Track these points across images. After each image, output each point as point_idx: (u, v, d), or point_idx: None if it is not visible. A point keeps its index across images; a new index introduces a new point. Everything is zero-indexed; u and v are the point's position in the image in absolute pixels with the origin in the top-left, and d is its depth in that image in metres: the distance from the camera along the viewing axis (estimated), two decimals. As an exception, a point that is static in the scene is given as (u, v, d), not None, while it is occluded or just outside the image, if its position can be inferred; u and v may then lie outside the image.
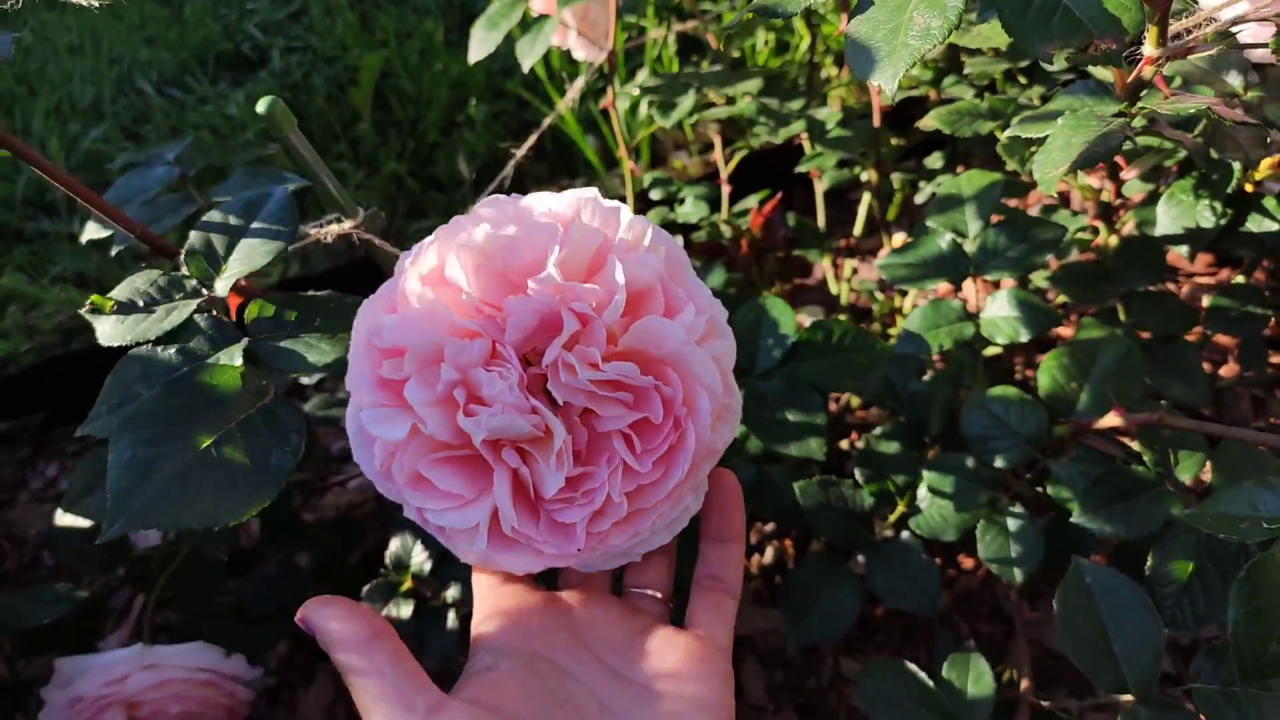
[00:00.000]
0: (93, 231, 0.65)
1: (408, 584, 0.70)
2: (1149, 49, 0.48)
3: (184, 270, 0.46)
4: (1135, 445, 0.55)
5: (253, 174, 0.63)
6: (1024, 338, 0.62)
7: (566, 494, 0.38)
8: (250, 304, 0.47)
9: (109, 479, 0.37)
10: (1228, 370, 1.01)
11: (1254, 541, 0.41)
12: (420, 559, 0.70)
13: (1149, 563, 0.54)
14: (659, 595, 0.43)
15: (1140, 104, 0.50)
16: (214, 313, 0.46)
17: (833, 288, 1.06)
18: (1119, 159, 0.62)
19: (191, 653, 0.79)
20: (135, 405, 0.40)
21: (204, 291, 0.45)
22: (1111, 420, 0.54)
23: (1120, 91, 0.52)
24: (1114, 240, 0.71)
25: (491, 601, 0.41)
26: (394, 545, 0.72)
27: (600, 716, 0.36)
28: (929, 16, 0.37)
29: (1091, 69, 0.58)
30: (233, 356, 0.43)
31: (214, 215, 0.47)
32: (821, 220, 1.07)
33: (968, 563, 0.91)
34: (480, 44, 0.90)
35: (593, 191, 0.40)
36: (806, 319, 1.16)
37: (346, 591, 0.69)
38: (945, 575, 0.91)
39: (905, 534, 0.63)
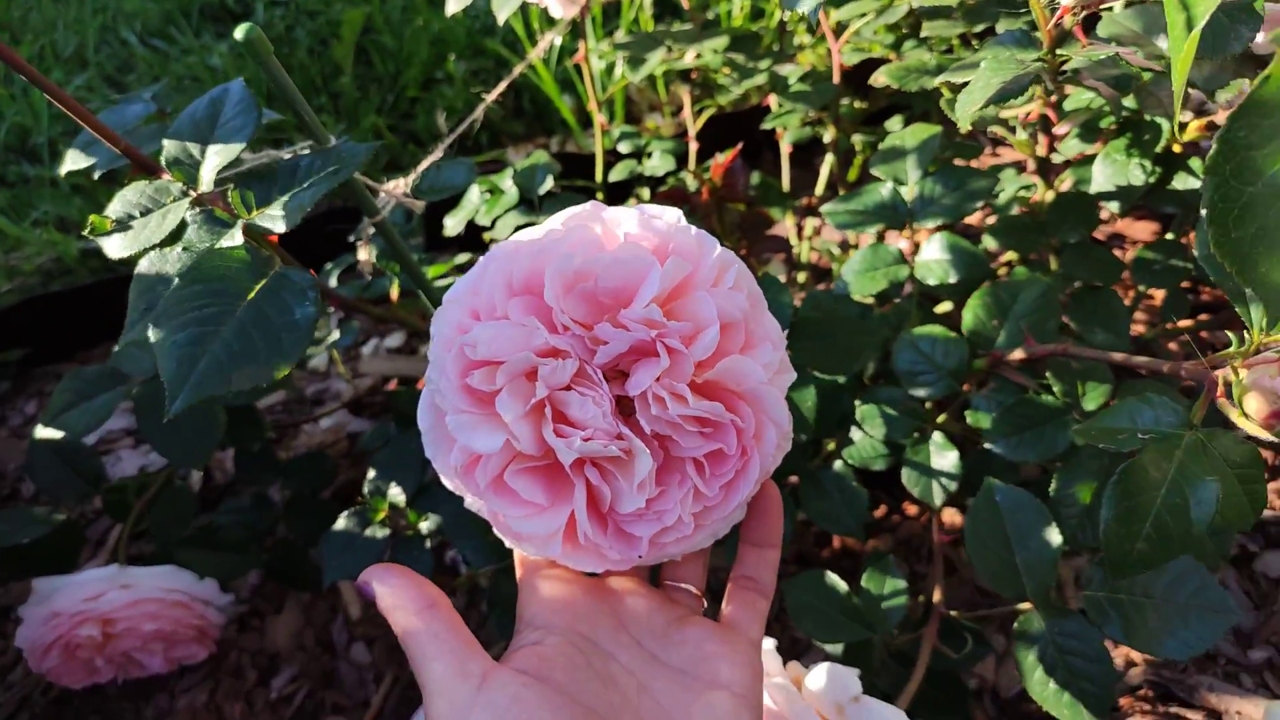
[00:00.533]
0: (74, 160, 0.68)
1: (383, 513, 0.72)
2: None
3: (168, 177, 0.50)
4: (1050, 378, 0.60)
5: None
6: (952, 279, 0.66)
7: (639, 510, 0.40)
8: (231, 194, 0.51)
9: (161, 369, 0.41)
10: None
11: (1129, 450, 0.45)
12: (396, 491, 0.72)
13: (1054, 485, 0.58)
14: (695, 590, 0.46)
15: (1060, 53, 0.54)
16: (206, 207, 0.50)
17: (795, 246, 1.09)
18: (1051, 115, 0.66)
19: (165, 575, 0.82)
20: (161, 303, 0.44)
21: (190, 192, 0.49)
22: (1021, 353, 0.58)
23: (1047, 43, 0.55)
24: (1050, 195, 0.74)
25: (539, 584, 0.43)
26: (371, 475, 0.74)
27: (638, 695, 0.39)
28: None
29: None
30: (234, 238, 0.47)
31: (182, 120, 0.50)
32: (786, 181, 1.10)
33: (911, 509, 0.95)
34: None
35: (677, 213, 0.42)
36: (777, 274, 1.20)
37: (317, 523, 0.72)
38: (890, 520, 0.96)
39: (838, 464, 0.67)
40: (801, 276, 1.05)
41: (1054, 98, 0.62)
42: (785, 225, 1.16)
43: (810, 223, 1.07)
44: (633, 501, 0.39)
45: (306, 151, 0.56)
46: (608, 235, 0.40)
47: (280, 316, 0.46)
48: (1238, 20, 0.43)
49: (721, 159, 0.76)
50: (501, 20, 0.90)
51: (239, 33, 0.50)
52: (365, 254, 0.66)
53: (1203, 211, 0.29)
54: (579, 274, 0.38)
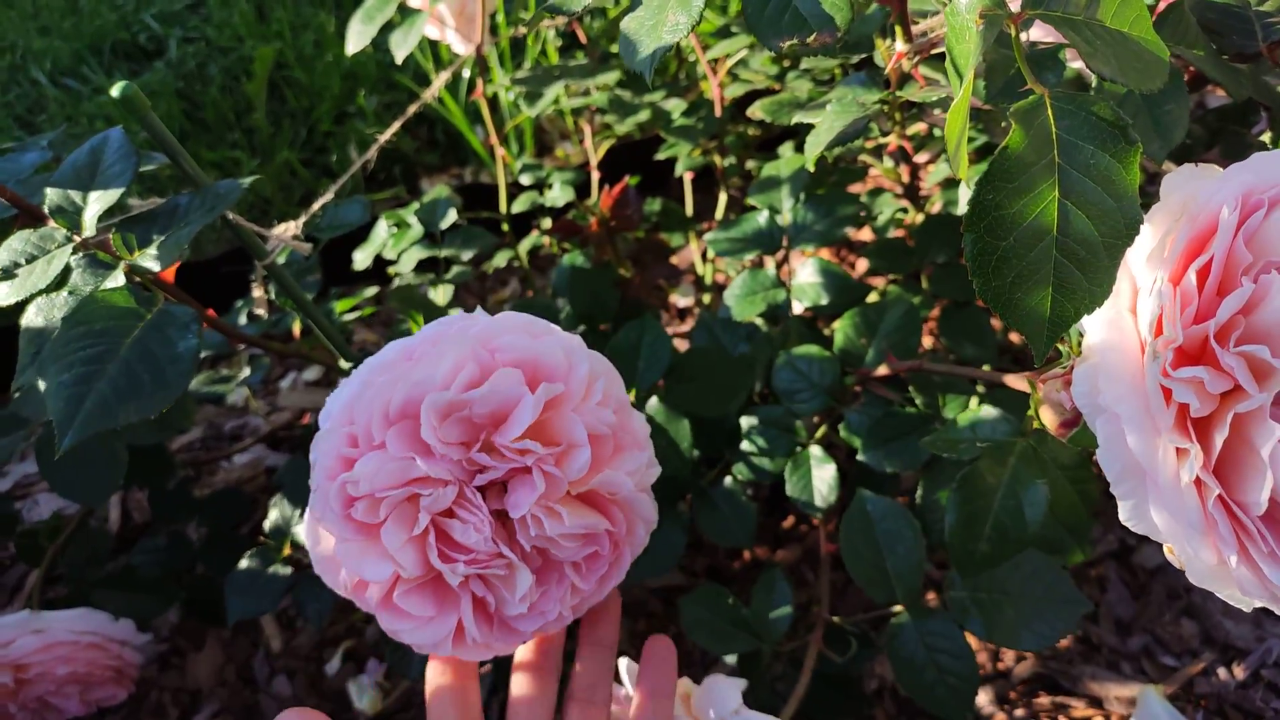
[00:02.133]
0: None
1: (287, 551, 0.74)
2: (899, 45, 0.55)
3: (52, 224, 0.52)
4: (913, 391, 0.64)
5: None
6: (824, 301, 0.70)
7: (522, 613, 0.44)
8: (114, 237, 0.53)
9: (50, 410, 0.43)
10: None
11: (969, 458, 0.49)
12: (300, 527, 0.74)
13: (919, 492, 0.62)
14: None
15: (900, 93, 0.58)
16: (90, 252, 0.52)
17: (699, 268, 1.13)
18: (907, 146, 0.70)
19: (78, 617, 0.82)
20: (48, 347, 0.46)
21: (74, 237, 0.51)
22: (885, 369, 0.62)
23: (894, 81, 0.59)
24: (920, 218, 0.79)
25: (438, 680, 0.49)
26: (273, 514, 0.76)
27: None
28: (678, 14, 0.44)
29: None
30: (117, 279, 0.49)
31: (64, 169, 0.52)
32: (690, 205, 1.14)
33: (817, 520, 0.99)
34: (357, 36, 0.95)
35: (546, 325, 0.46)
36: (680, 299, 1.24)
37: (235, 559, 0.73)
38: (797, 530, 0.99)
39: (729, 480, 0.70)
40: (707, 298, 1.09)
41: (908, 130, 0.66)
42: (691, 248, 1.19)
43: (712, 265, 1.10)
44: (516, 608, 0.43)
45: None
46: (479, 353, 0.43)
47: (164, 350, 0.48)
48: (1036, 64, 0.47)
49: (612, 190, 0.79)
50: (400, 59, 0.92)
51: (115, 91, 0.52)
52: (259, 294, 0.68)
53: (965, 262, 0.32)
54: (453, 405, 0.41)
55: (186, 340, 0.48)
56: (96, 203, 0.53)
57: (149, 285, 0.52)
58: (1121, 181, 0.33)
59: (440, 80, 0.91)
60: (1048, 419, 0.39)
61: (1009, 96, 0.43)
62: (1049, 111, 0.32)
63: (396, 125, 0.80)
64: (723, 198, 0.99)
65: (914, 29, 0.55)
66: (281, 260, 0.77)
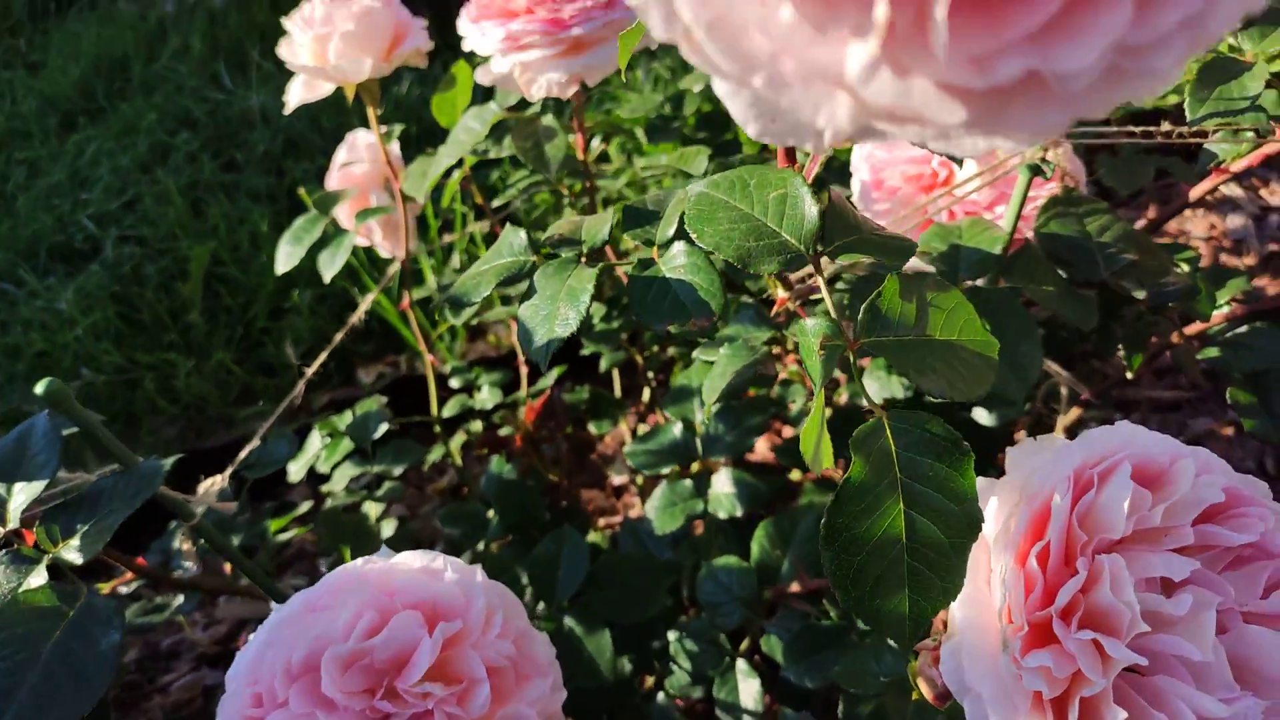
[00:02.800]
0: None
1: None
2: (780, 293, 0.60)
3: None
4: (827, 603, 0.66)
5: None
6: (739, 512, 0.72)
7: None
8: (37, 529, 0.54)
9: None
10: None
11: (872, 694, 0.51)
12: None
13: (840, 708, 0.64)
14: None
15: (788, 331, 0.62)
16: (13, 545, 0.53)
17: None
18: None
19: None
20: None
21: None
22: (797, 586, 0.65)
23: (782, 317, 0.64)
24: (829, 412, 0.83)
25: None
26: None
27: None
28: (568, 309, 0.48)
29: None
30: (40, 575, 0.50)
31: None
32: (618, 387, 1.18)
33: None
34: (286, 257, 0.99)
35: (442, 559, 0.48)
36: (616, 476, 1.26)
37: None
38: None
39: (661, 695, 0.71)
40: (640, 479, 1.11)
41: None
42: (622, 427, 1.23)
43: (642, 428, 1.14)
44: None
45: (113, 470, 0.60)
46: (379, 598, 0.45)
47: (87, 650, 0.49)
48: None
49: (534, 405, 0.82)
50: (327, 279, 0.96)
51: (39, 388, 0.54)
52: (187, 546, 0.69)
53: (826, 572, 0.35)
54: (354, 654, 0.43)
55: (109, 636, 0.49)
56: (21, 494, 0.55)
57: (72, 579, 0.53)
58: (960, 486, 0.36)
59: (365, 303, 0.95)
60: (924, 690, 0.41)
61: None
62: (888, 432, 0.36)
63: (321, 357, 0.83)
64: (646, 392, 1.03)
65: (792, 277, 0.59)
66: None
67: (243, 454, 0.71)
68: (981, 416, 0.76)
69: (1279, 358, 0.65)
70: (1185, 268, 0.69)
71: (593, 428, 1.08)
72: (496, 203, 1.03)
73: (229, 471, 0.68)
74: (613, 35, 0.75)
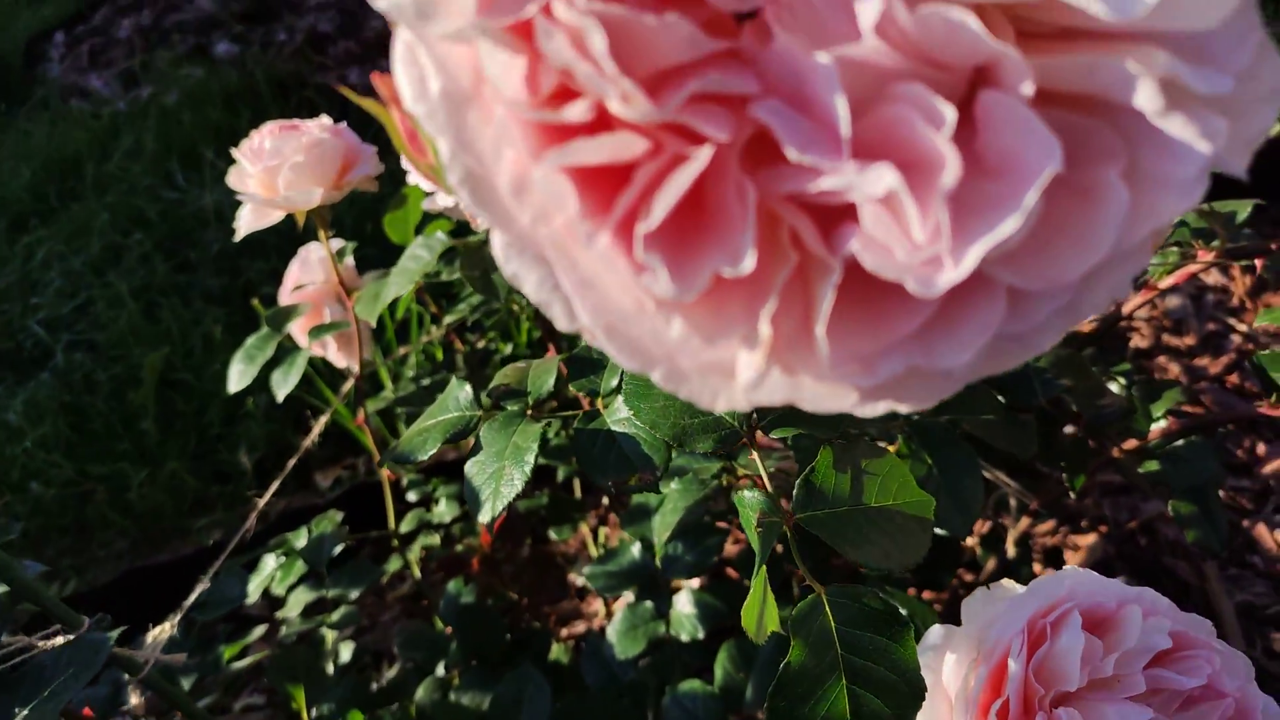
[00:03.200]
0: None
1: None
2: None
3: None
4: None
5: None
6: (701, 634, 0.72)
7: None
8: None
9: None
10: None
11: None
12: None
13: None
14: None
15: (737, 463, 0.63)
16: None
17: (592, 550, 1.15)
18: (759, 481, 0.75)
19: None
20: None
21: None
22: (761, 715, 0.65)
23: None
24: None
25: None
26: None
27: None
28: (514, 469, 0.49)
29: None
30: None
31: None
32: (579, 489, 1.17)
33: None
34: (239, 376, 0.99)
35: None
36: (578, 578, 1.25)
37: None
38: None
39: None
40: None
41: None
42: (583, 529, 1.22)
43: (603, 530, 1.13)
44: None
45: (60, 640, 0.58)
46: None
47: None
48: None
49: (487, 525, 0.82)
50: (280, 399, 0.95)
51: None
52: (135, 699, 0.68)
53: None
54: None
55: None
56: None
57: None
58: (901, 658, 0.37)
59: (318, 426, 0.95)
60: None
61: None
62: (827, 609, 0.37)
63: (274, 486, 0.82)
64: (605, 499, 1.03)
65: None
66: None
67: (192, 597, 0.70)
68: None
69: (1213, 471, 0.66)
70: (1121, 382, 0.71)
71: (553, 534, 1.08)
72: (450, 319, 1.04)
73: (177, 619, 0.67)
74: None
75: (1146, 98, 0.17)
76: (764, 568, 0.38)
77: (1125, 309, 0.76)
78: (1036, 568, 1.05)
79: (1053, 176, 0.17)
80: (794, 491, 0.39)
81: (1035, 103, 0.18)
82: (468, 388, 0.53)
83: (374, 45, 2.52)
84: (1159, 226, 0.19)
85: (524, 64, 0.18)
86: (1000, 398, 0.63)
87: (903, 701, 0.37)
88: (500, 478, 0.49)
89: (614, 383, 0.52)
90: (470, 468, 0.51)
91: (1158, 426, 0.70)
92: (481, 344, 1.26)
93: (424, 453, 0.52)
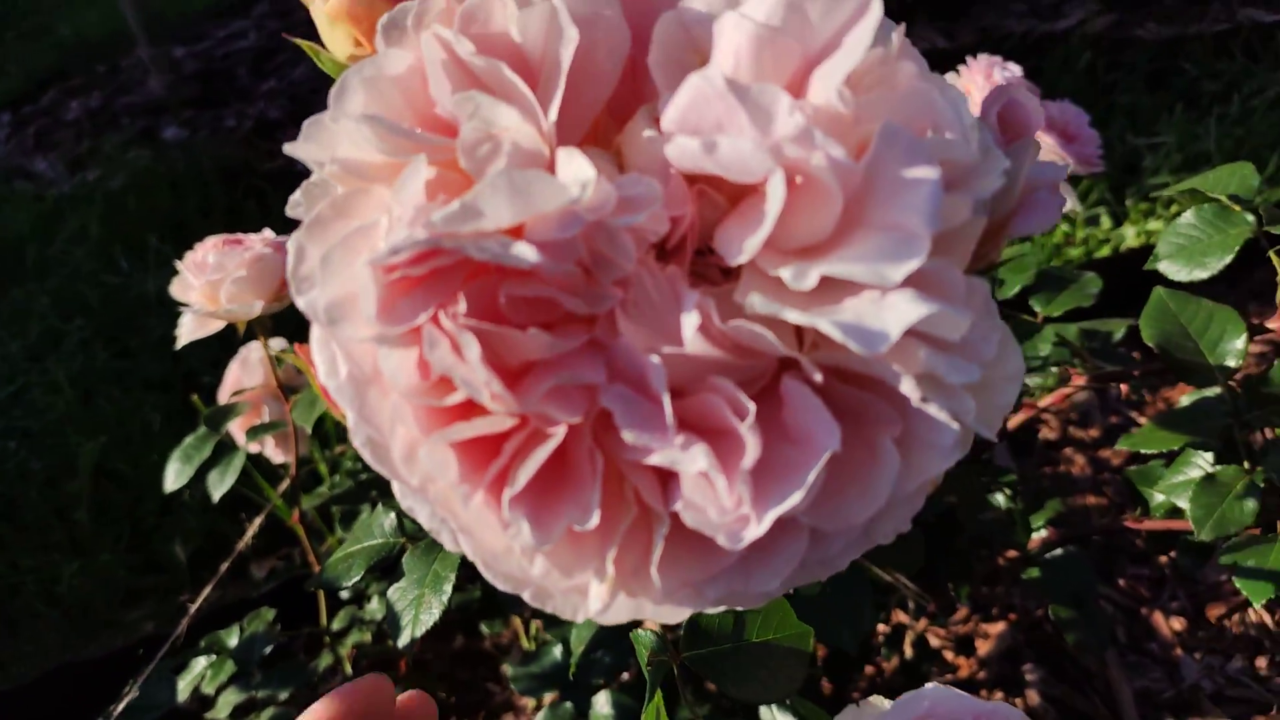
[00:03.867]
0: None
1: None
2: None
3: None
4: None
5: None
6: (618, 737, 0.75)
7: None
8: None
9: None
10: None
11: None
12: None
13: None
14: None
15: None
16: None
17: (524, 643, 1.18)
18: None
19: None
20: None
21: None
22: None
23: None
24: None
25: None
26: None
27: None
28: (433, 596, 0.52)
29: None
30: None
31: None
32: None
33: None
34: (176, 475, 1.01)
35: None
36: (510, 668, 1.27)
37: None
38: None
39: None
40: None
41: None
42: (516, 624, 1.24)
43: (534, 624, 1.16)
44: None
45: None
46: None
47: None
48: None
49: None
50: (216, 499, 0.98)
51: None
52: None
53: None
54: None
55: None
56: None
57: None
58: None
59: (253, 528, 0.97)
60: None
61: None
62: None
63: (205, 591, 0.84)
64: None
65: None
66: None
67: (121, 704, 0.72)
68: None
69: (1088, 579, 0.72)
70: (1006, 493, 0.77)
71: (485, 628, 1.10)
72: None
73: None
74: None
75: (908, 389, 0.23)
76: (656, 702, 0.42)
77: (1011, 424, 0.82)
78: (949, 655, 1.10)
79: (831, 454, 0.22)
80: (681, 631, 0.43)
81: (832, 380, 0.23)
82: (392, 515, 0.57)
83: (322, 132, 2.57)
84: (928, 479, 0.24)
85: (415, 356, 0.23)
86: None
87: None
88: (420, 605, 0.52)
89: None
90: (393, 593, 0.54)
91: (1038, 536, 0.76)
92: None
93: (348, 579, 0.55)
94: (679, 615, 0.24)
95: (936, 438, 0.23)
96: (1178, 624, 1.13)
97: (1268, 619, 1.12)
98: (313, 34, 0.46)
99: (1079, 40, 2.14)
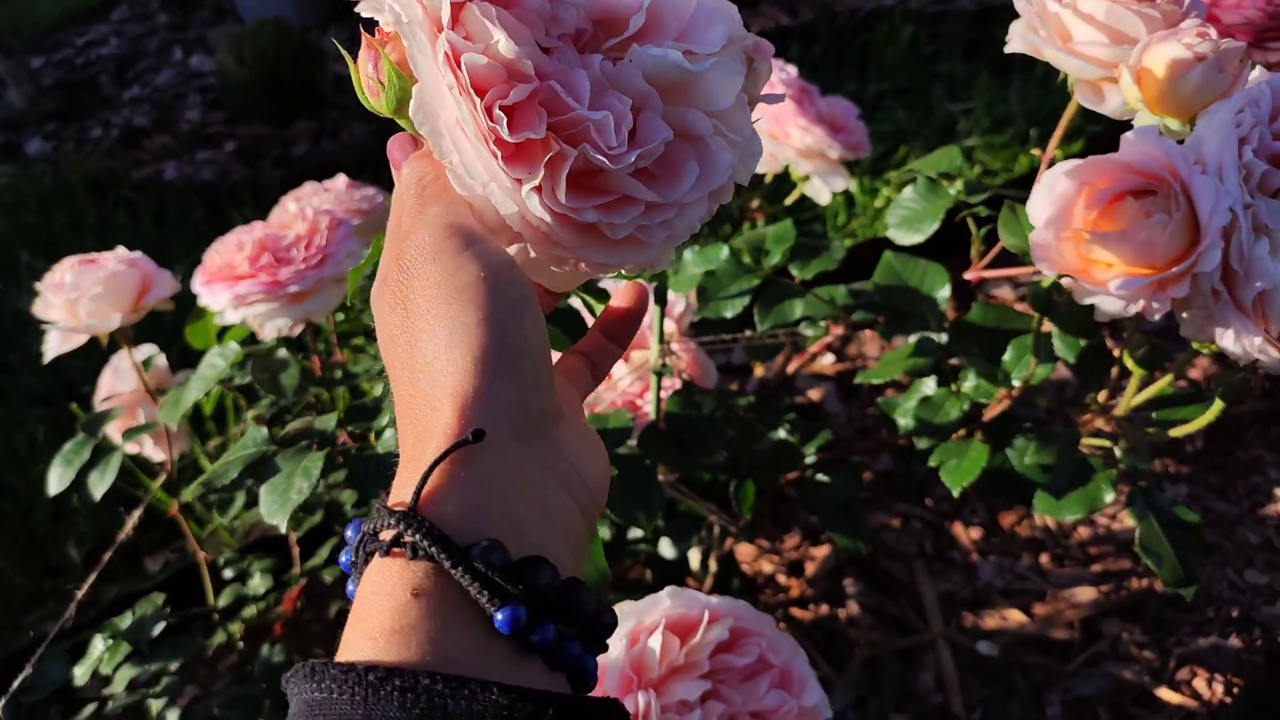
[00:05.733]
0: None
1: None
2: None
3: None
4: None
5: None
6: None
7: None
8: None
9: None
10: None
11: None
12: None
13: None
14: None
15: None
16: None
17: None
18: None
19: None
20: None
21: None
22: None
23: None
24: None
25: None
26: None
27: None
28: (302, 480, 0.64)
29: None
30: None
31: None
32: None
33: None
34: (58, 479, 1.09)
35: None
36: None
37: None
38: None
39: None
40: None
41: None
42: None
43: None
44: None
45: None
46: None
47: None
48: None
49: (291, 593, 0.95)
50: (97, 498, 1.06)
51: None
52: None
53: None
54: None
55: None
56: None
57: None
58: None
59: (131, 519, 1.06)
60: None
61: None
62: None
63: (90, 579, 0.93)
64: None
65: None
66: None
67: (16, 682, 0.81)
68: (665, 549, 0.95)
69: (849, 493, 0.87)
70: (787, 427, 0.91)
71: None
72: (253, 414, 1.16)
73: (2, 703, 0.78)
74: (330, 285, 0.92)
75: (706, 128, 0.41)
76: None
77: (789, 369, 0.96)
78: (781, 577, 1.25)
79: (666, 141, 0.39)
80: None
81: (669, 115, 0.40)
82: (264, 429, 0.69)
83: (190, 138, 2.60)
84: (715, 187, 0.41)
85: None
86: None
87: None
88: (291, 489, 0.64)
89: (384, 421, 0.68)
90: (266, 488, 0.66)
91: (811, 459, 0.90)
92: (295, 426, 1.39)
93: (227, 478, 0.67)
94: (563, 233, 0.38)
95: (717, 162, 0.41)
96: (976, 534, 1.30)
97: (1050, 521, 1.30)
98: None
99: (902, 15, 2.32)
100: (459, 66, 0.36)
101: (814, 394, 1.52)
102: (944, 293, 0.82)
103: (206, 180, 2.41)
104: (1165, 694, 1.07)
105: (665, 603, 0.61)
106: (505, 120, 0.36)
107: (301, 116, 2.62)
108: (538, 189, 0.37)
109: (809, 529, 1.33)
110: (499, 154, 0.36)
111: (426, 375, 0.36)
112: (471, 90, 0.36)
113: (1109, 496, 0.74)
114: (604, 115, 0.37)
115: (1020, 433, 0.79)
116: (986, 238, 0.83)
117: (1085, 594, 1.19)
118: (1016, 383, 0.76)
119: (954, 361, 0.82)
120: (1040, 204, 0.65)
